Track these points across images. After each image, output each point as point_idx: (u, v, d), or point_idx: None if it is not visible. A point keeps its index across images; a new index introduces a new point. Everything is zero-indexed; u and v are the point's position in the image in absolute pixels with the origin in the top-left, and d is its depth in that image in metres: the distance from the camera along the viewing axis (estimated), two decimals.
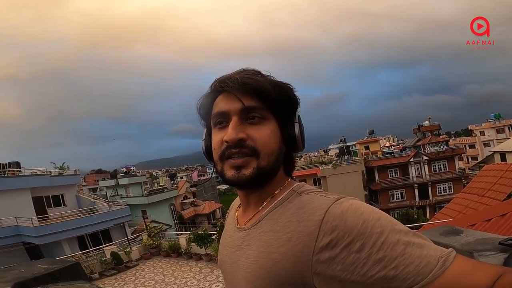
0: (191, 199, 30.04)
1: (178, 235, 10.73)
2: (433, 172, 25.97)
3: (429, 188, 25.24)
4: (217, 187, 49.49)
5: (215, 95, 0.60)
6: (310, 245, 0.48)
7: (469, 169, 32.61)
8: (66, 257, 8.41)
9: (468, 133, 45.50)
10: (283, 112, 0.58)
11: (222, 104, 0.58)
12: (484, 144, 36.42)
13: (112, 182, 27.20)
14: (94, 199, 18.27)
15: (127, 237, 12.33)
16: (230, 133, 0.54)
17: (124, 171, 34.88)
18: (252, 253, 0.56)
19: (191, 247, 8.79)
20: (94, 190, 34.81)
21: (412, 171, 25.95)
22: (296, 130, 0.59)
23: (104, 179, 32.82)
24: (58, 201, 16.28)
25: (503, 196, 6.88)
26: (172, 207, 25.50)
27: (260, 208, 0.60)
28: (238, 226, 0.65)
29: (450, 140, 37.75)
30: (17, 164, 16.10)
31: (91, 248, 11.82)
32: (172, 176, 47.30)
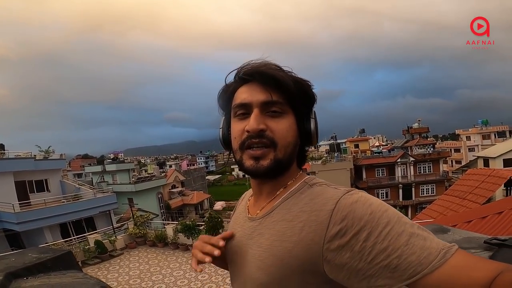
0: (180, 189, 29.85)
1: (165, 224, 10.68)
2: (418, 174, 26.61)
3: (413, 189, 25.91)
4: (206, 177, 49.45)
5: (238, 85, 0.63)
6: (322, 233, 0.50)
7: (452, 172, 33.63)
8: (47, 245, 8.22)
9: (455, 137, 46.72)
10: (301, 108, 0.61)
11: (244, 95, 0.60)
12: (469, 149, 37.44)
13: (98, 168, 26.65)
14: (79, 185, 17.84)
15: (112, 225, 12.15)
16: (252, 123, 0.57)
17: (111, 157, 34.32)
18: (265, 241, 0.58)
19: (178, 237, 8.78)
20: (79, 176, 34.09)
21: (398, 171, 26.53)
22: (312, 125, 0.62)
23: (90, 164, 32.16)
24: (41, 186, 15.69)
25: (483, 199, 7.15)
26: (159, 196, 25.27)
27: (272, 198, 0.63)
28: (250, 215, 0.67)
29: (437, 143, 38.65)
30: (1, 147, 15.56)
31: (74, 236, 11.61)
32: (161, 165, 46.79)
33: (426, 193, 25.88)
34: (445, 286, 0.44)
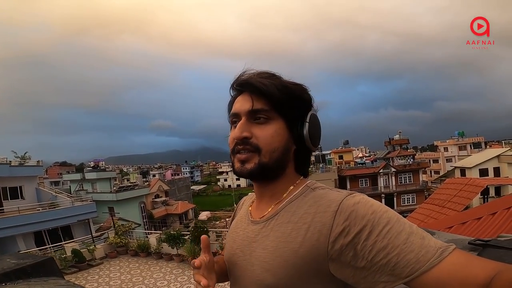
0: (163, 198, 29.18)
1: (148, 234, 10.36)
2: (399, 184, 27.41)
3: (395, 198, 26.60)
4: (191, 187, 48.65)
5: (236, 95, 0.68)
6: (326, 233, 0.52)
7: (431, 182, 34.80)
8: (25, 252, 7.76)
9: (433, 148, 48.67)
10: (291, 112, 0.63)
11: (236, 105, 0.66)
12: (446, 159, 39.06)
13: (77, 176, 25.73)
14: (56, 193, 17.10)
15: (91, 234, 11.67)
16: (236, 131, 0.62)
17: (92, 165, 33.17)
18: (270, 243, 0.60)
19: (162, 247, 8.53)
20: (57, 183, 32.76)
21: (381, 182, 27.22)
22: (305, 130, 0.64)
23: (68, 172, 30.99)
24: (15, 193, 15.00)
25: (462, 207, 7.43)
26: (142, 205, 24.58)
27: (276, 202, 0.65)
28: (253, 219, 0.69)
29: (417, 154, 40.09)
30: None
31: (49, 245, 11.05)
32: (145, 174, 45.78)
33: (407, 202, 26.63)
34: (443, 284, 0.44)
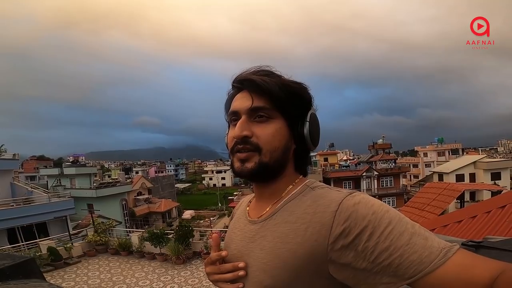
0: (146, 196, 28.59)
1: (129, 232, 10.10)
2: (381, 187, 28.20)
3: None
4: (175, 186, 47.94)
5: (235, 93, 0.66)
6: (326, 234, 0.51)
7: (410, 186, 36.05)
8: None
9: (414, 153, 50.37)
10: (292, 111, 0.62)
11: (236, 103, 0.63)
12: (426, 164, 40.54)
13: (55, 171, 24.75)
14: (32, 188, 16.37)
15: (68, 231, 11.25)
16: (236, 130, 0.60)
17: (71, 160, 32.04)
18: (268, 244, 0.58)
19: (144, 246, 8.33)
20: (33, 178, 31.34)
21: (364, 184, 27.91)
22: (305, 129, 0.62)
23: (46, 167, 29.76)
24: None
25: (440, 210, 7.74)
26: (124, 202, 23.96)
27: (275, 201, 0.64)
28: (250, 219, 0.68)
29: (398, 159, 41.32)
30: None
31: (22, 242, 10.55)
32: (127, 170, 44.54)
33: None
34: (447, 284, 0.44)
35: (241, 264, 0.62)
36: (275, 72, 0.63)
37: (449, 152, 40.64)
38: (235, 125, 0.62)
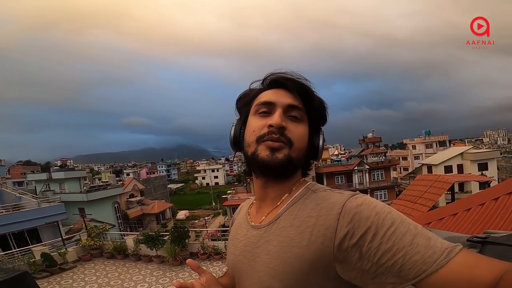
0: (139, 198, 28.24)
1: (124, 235, 9.98)
2: (372, 180, 28.62)
3: (369, 194, 27.60)
4: (168, 186, 47.49)
5: (263, 89, 0.67)
6: (331, 236, 0.52)
7: (400, 178, 36.75)
8: None
9: (403, 146, 51.30)
10: (315, 121, 0.66)
11: (271, 96, 0.64)
12: (414, 157, 41.29)
13: (43, 176, 24.14)
14: (20, 194, 15.96)
15: (61, 237, 11.03)
16: (276, 119, 0.60)
17: (59, 164, 31.35)
18: (273, 248, 0.58)
19: (140, 249, 8.26)
20: (20, 184, 30.51)
21: (356, 178, 28.27)
22: (320, 141, 0.66)
23: (33, 172, 28.98)
24: None
25: (432, 202, 7.92)
26: (116, 205, 23.58)
27: (278, 204, 0.64)
28: (253, 224, 0.68)
29: (388, 152, 42.01)
30: None
31: (15, 249, 10.29)
32: (118, 173, 44.00)
33: (380, 198, 27.85)
34: (450, 285, 0.44)
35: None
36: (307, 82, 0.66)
37: (436, 144, 41.48)
38: (264, 116, 0.63)
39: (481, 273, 0.43)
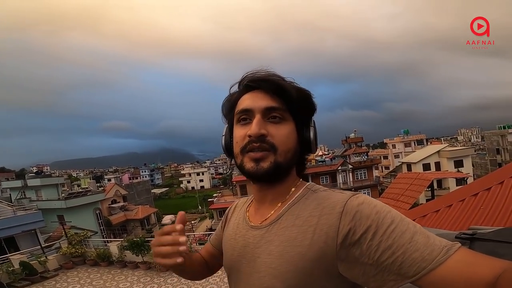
0: (121, 204, 27.46)
1: (107, 242, 9.68)
2: (356, 179, 29.30)
3: None
4: (152, 191, 46.47)
5: (241, 93, 0.65)
6: (334, 235, 0.53)
7: (382, 177, 37.83)
8: None
9: (383, 145, 52.87)
10: (302, 116, 0.64)
11: (247, 101, 0.63)
12: (395, 155, 42.67)
13: (18, 183, 23.08)
14: None
15: (40, 245, 10.58)
16: (253, 128, 0.59)
17: (34, 170, 29.97)
18: (275, 248, 0.58)
19: (125, 255, 8.03)
20: None
21: (340, 178, 28.83)
22: (311, 133, 0.65)
23: (7, 179, 27.57)
24: None
25: (413, 200, 8.23)
26: (98, 212, 22.85)
27: (278, 205, 0.64)
28: (252, 224, 0.67)
29: (369, 152, 43.14)
30: None
31: None
32: (98, 178, 42.55)
33: None
34: (449, 282, 0.44)
35: (178, 227, 0.60)
36: (286, 78, 0.64)
37: (414, 142, 43.04)
38: (244, 124, 0.62)
39: (480, 271, 0.43)
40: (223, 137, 0.70)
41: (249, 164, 0.60)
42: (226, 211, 0.85)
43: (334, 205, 0.55)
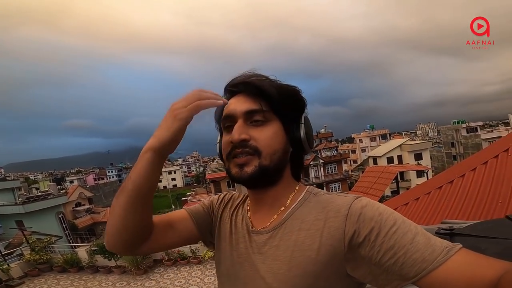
0: (87, 206, 25.96)
1: (74, 247, 9.17)
2: (327, 174, 30.42)
3: (324, 188, 29.48)
4: None
5: (228, 98, 0.64)
6: (340, 237, 0.53)
7: (351, 171, 39.65)
8: None
9: (351, 140, 55.27)
10: (288, 114, 0.62)
11: (230, 107, 0.62)
12: (362, 150, 44.73)
13: None
14: None
15: (0, 252, 9.73)
16: (233, 134, 0.58)
17: None
18: (283, 253, 0.58)
19: (96, 260, 7.68)
20: None
21: (312, 173, 29.73)
22: (302, 131, 0.62)
23: None
24: None
25: (381, 192, 8.80)
26: (61, 215, 21.41)
27: (281, 209, 0.63)
28: (254, 229, 0.65)
29: (339, 146, 44.89)
30: None
31: None
32: (59, 180, 39.68)
33: (334, 190, 29.75)
34: (450, 283, 0.44)
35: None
36: (269, 76, 0.63)
37: (379, 137, 45.34)
38: (229, 131, 0.61)
39: (482, 272, 0.43)
40: (217, 145, 0.69)
41: (234, 170, 0.60)
42: (215, 200, 0.79)
43: (339, 208, 0.56)
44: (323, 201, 0.60)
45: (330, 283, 0.55)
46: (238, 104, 0.60)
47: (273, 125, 0.60)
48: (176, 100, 0.58)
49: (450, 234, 0.96)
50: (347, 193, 0.66)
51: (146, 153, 0.56)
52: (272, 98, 0.59)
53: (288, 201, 0.63)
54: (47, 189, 26.10)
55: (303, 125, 0.62)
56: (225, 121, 0.62)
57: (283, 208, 0.63)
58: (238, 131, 0.58)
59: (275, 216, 0.63)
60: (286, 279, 0.56)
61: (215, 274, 0.74)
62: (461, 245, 0.47)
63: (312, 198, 0.62)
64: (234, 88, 0.62)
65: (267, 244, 0.61)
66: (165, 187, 59.34)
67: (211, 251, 6.75)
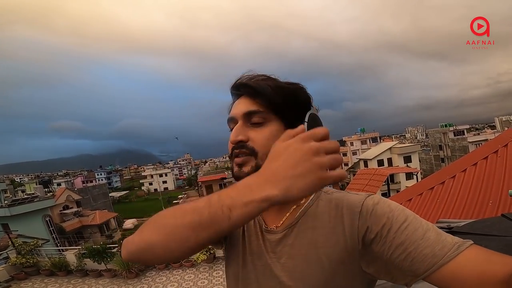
0: (75, 209, 25.40)
1: (62, 250, 8.96)
2: None
3: None
4: (110, 195, 43.61)
5: (233, 100, 0.67)
6: (354, 235, 0.55)
7: None
8: None
9: (342, 143, 55.78)
10: (288, 113, 0.61)
11: (233, 109, 0.65)
12: (353, 152, 45.28)
13: None
14: None
15: None
16: (231, 135, 0.61)
17: None
18: (297, 252, 0.58)
19: (85, 263, 7.51)
20: None
21: None
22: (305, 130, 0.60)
23: None
24: None
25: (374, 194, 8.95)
26: (48, 218, 20.92)
27: (294, 208, 0.63)
28: (267, 227, 0.65)
29: None
30: None
31: None
32: (46, 183, 38.75)
33: None
34: (460, 278, 0.44)
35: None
36: (272, 76, 0.64)
37: (370, 140, 45.87)
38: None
39: (493, 268, 0.43)
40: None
41: (234, 169, 0.62)
42: None
43: (352, 205, 0.57)
44: (336, 199, 0.60)
45: (346, 279, 0.56)
46: (238, 107, 0.62)
47: (272, 125, 0.60)
48: (313, 142, 0.43)
49: (448, 233, 1.01)
50: (358, 192, 0.64)
51: (263, 203, 0.44)
52: (268, 98, 0.59)
53: (302, 201, 0.63)
54: (33, 192, 25.45)
55: (306, 123, 0.61)
56: (229, 123, 0.65)
57: (295, 206, 0.63)
58: (235, 133, 0.60)
59: (287, 215, 0.63)
60: (302, 277, 0.56)
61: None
62: (472, 242, 0.47)
63: (324, 196, 0.62)
64: (235, 90, 0.64)
65: (281, 242, 0.61)
66: (156, 190, 58.61)
67: (205, 253, 6.69)
